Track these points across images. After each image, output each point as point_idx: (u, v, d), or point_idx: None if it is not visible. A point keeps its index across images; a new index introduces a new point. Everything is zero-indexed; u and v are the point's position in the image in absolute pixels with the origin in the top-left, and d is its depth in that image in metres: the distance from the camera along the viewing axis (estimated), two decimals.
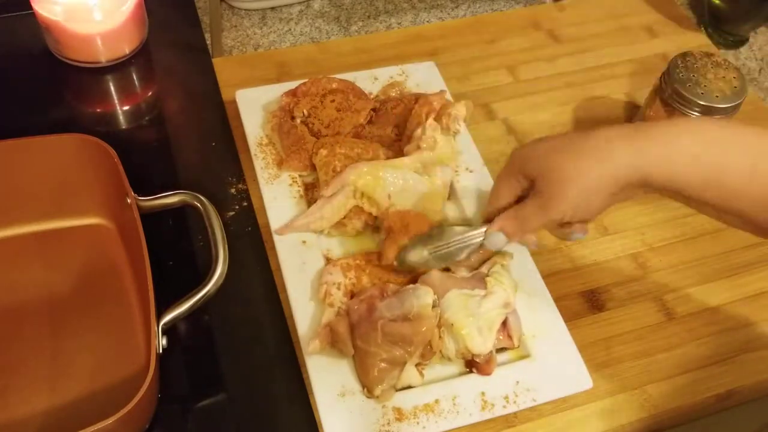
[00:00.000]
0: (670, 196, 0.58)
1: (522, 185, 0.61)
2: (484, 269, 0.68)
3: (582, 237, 0.62)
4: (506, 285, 0.66)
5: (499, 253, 0.69)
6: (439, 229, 0.67)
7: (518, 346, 0.65)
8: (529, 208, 0.59)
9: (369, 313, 0.64)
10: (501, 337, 0.64)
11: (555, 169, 0.57)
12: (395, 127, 0.78)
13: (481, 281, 0.66)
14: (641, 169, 0.54)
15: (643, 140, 0.54)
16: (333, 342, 0.63)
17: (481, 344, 0.62)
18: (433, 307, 0.63)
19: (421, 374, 0.63)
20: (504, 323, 0.65)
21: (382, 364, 0.61)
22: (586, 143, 0.56)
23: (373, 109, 0.80)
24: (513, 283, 0.67)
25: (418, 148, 0.73)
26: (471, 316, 0.63)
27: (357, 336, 0.62)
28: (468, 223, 0.73)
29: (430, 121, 0.75)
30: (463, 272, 0.68)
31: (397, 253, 0.67)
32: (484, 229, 0.63)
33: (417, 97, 0.79)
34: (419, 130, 0.74)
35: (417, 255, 0.66)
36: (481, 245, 0.64)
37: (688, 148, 0.54)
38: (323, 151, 0.73)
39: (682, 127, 0.55)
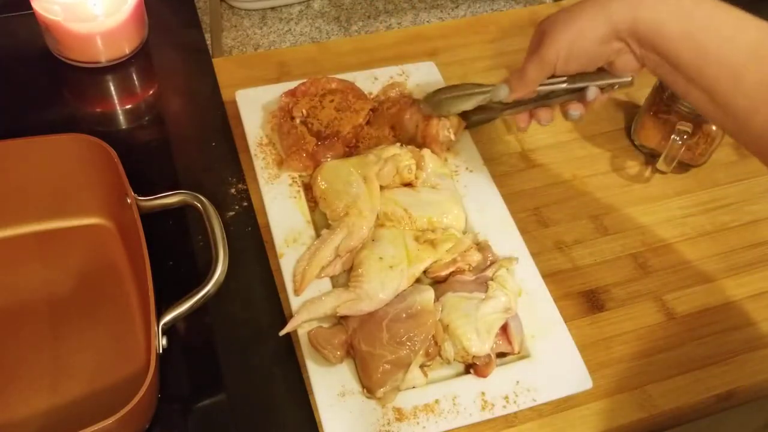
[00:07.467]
0: (656, 72, 0.60)
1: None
2: (488, 273, 0.68)
3: (576, 116, 0.68)
4: (509, 290, 0.66)
5: (504, 257, 0.70)
6: (460, 86, 0.75)
7: (519, 352, 0.65)
8: (528, 60, 0.65)
9: (371, 314, 0.64)
10: (501, 342, 0.64)
11: (553, 21, 0.62)
12: (391, 128, 0.79)
13: (482, 285, 0.66)
14: (632, 13, 0.57)
15: None
16: (322, 346, 0.63)
17: (478, 345, 0.62)
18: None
19: (426, 375, 0.63)
20: (504, 328, 0.65)
21: (387, 366, 0.61)
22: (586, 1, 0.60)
23: (372, 110, 0.80)
24: (516, 288, 0.67)
25: (402, 182, 0.74)
26: (466, 317, 0.63)
27: (360, 339, 0.62)
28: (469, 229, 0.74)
29: (384, 152, 0.74)
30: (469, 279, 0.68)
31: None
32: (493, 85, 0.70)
33: (413, 101, 0.79)
34: (389, 167, 0.73)
35: (433, 97, 0.75)
36: (489, 97, 0.71)
37: (684, 5, 0.55)
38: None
39: None
